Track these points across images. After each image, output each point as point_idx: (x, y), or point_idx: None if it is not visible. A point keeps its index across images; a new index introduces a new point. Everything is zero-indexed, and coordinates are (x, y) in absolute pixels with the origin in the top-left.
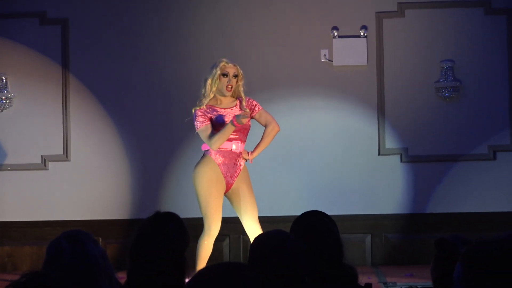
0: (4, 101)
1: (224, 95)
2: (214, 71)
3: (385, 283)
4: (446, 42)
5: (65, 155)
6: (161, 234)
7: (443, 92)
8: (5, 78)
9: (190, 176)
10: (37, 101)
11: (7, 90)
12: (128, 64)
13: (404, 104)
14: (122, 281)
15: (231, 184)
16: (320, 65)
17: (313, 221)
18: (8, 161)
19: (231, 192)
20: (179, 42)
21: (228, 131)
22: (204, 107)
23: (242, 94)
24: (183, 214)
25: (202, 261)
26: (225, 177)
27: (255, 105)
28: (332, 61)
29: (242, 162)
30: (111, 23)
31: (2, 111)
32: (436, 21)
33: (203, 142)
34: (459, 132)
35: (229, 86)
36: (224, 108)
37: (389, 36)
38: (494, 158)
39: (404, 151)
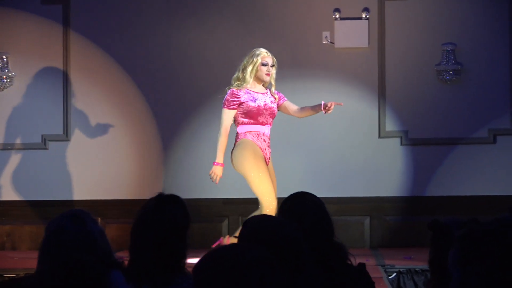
0: (5, 80)
1: (263, 81)
2: (255, 59)
3: (383, 266)
4: (448, 25)
5: (65, 135)
6: (164, 216)
7: (444, 75)
8: (6, 57)
9: (193, 156)
10: (38, 81)
11: (8, 69)
12: (130, 44)
13: (405, 86)
14: (125, 261)
15: (267, 164)
16: (321, 47)
17: (301, 201)
18: (9, 140)
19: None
20: (183, 23)
21: (217, 154)
22: (242, 89)
23: (273, 82)
24: (185, 195)
25: None
26: (264, 156)
27: (282, 96)
28: (334, 43)
29: (269, 146)
30: (113, 3)
31: (2, 90)
32: (438, 4)
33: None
34: (459, 115)
35: (268, 74)
36: (257, 92)
37: (391, 19)
38: (494, 141)
39: (404, 134)
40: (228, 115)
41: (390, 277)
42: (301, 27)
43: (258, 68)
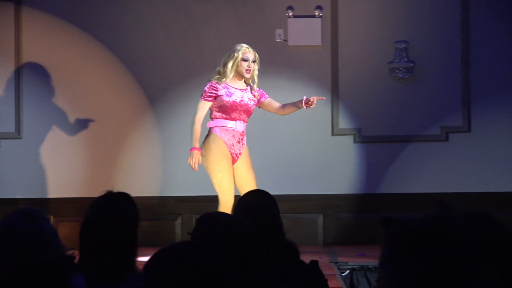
0: None
1: (243, 77)
2: (236, 54)
3: (336, 263)
4: (401, 22)
5: (18, 133)
6: (113, 214)
7: (396, 73)
8: None
9: (144, 154)
10: None
11: None
12: (83, 41)
13: (358, 84)
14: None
15: (235, 161)
16: (275, 45)
17: (254, 200)
18: None
19: (234, 169)
20: (139, 17)
21: (192, 141)
22: (222, 83)
23: (256, 78)
24: (137, 193)
25: None
26: (230, 152)
27: (264, 94)
28: (287, 41)
29: (245, 141)
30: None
31: None
32: (391, 2)
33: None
34: (412, 113)
35: (249, 70)
36: (236, 88)
37: (344, 17)
38: (447, 139)
39: (357, 132)
40: (202, 106)
41: (343, 274)
42: (254, 25)
43: (239, 63)
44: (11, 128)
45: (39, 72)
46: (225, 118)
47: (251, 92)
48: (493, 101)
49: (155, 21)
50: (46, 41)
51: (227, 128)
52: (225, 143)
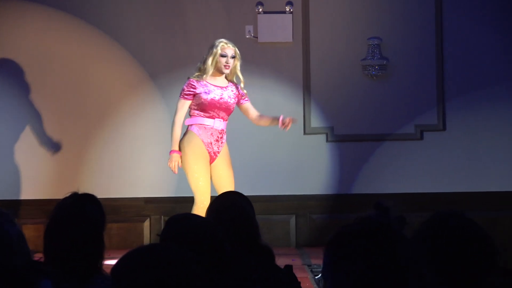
0: None
1: (222, 73)
2: (214, 50)
3: (309, 265)
4: (373, 19)
5: None
6: (78, 215)
7: (369, 70)
8: None
9: (111, 154)
10: None
11: None
12: (40, 32)
13: (331, 82)
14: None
15: (214, 159)
16: (244, 42)
17: (229, 201)
18: None
19: (212, 168)
20: (98, 12)
21: (172, 143)
22: (202, 81)
23: (239, 73)
24: (103, 194)
25: None
26: (208, 151)
27: (246, 96)
28: (257, 37)
29: (224, 140)
30: None
31: None
32: None
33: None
34: (386, 111)
35: (227, 66)
36: (215, 85)
37: (315, 12)
38: (421, 138)
39: (330, 130)
40: (182, 105)
41: (316, 277)
42: (224, 21)
43: (218, 59)
44: None
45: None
46: (203, 116)
47: (236, 90)
48: (467, 99)
49: (109, 24)
50: (16, 32)
51: (205, 126)
52: (202, 141)
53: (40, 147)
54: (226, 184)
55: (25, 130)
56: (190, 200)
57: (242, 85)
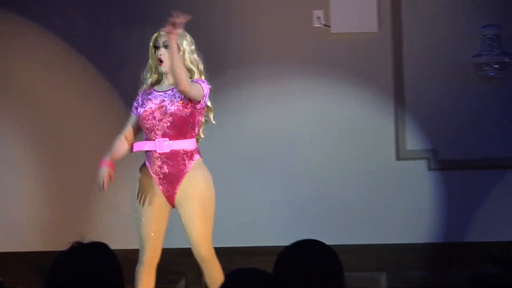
0: None
1: (165, 72)
2: (150, 45)
3: None
4: (490, 0)
5: None
6: (86, 271)
7: (486, 70)
8: None
9: (125, 189)
10: None
11: None
12: (39, 42)
13: (431, 88)
14: None
15: (173, 195)
16: (312, 32)
17: (306, 254)
18: None
19: (177, 206)
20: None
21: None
22: (143, 90)
23: (192, 67)
24: (117, 244)
25: None
26: (159, 186)
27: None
28: (330, 26)
29: (188, 165)
30: None
31: None
32: None
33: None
34: (510, 127)
35: (160, 62)
36: (158, 91)
37: None
38: None
39: (432, 154)
40: (129, 119)
41: None
42: (285, 4)
43: (154, 55)
44: None
45: None
46: (146, 139)
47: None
48: None
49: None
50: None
51: (147, 152)
52: (153, 175)
53: (29, 181)
54: (191, 228)
55: (11, 161)
56: (237, 252)
57: (195, 76)
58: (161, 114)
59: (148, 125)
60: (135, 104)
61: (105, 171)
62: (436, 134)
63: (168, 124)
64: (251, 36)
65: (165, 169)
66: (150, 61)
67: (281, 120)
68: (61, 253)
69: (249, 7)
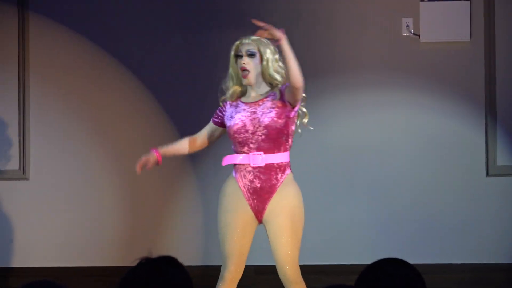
0: None
1: (248, 83)
2: (231, 55)
3: None
4: None
5: (22, 171)
6: (158, 285)
7: None
8: None
9: (200, 207)
10: None
11: None
12: (105, 54)
13: None
14: None
15: (262, 211)
16: (401, 41)
17: (388, 273)
18: None
19: (264, 222)
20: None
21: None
22: (236, 102)
23: (277, 76)
24: (186, 260)
25: None
26: (248, 201)
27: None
28: (419, 35)
29: (280, 179)
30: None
31: None
32: None
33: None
34: None
35: (245, 71)
36: (246, 103)
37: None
38: None
39: None
40: (207, 126)
41: None
42: (372, 12)
43: (236, 64)
44: (14, 164)
45: (48, 97)
46: (237, 152)
47: (272, 103)
48: None
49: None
50: (55, 55)
51: (237, 165)
52: (241, 188)
53: (98, 195)
54: (278, 246)
55: (86, 171)
56: (320, 271)
57: (277, 81)
58: (254, 127)
59: (241, 139)
60: (218, 113)
61: (148, 156)
62: None
63: (263, 137)
64: (338, 44)
65: (257, 183)
66: (230, 70)
67: (365, 131)
68: (131, 269)
69: (337, 15)
